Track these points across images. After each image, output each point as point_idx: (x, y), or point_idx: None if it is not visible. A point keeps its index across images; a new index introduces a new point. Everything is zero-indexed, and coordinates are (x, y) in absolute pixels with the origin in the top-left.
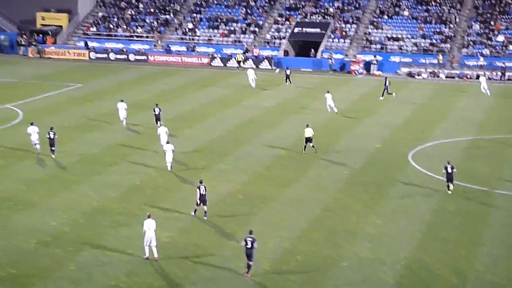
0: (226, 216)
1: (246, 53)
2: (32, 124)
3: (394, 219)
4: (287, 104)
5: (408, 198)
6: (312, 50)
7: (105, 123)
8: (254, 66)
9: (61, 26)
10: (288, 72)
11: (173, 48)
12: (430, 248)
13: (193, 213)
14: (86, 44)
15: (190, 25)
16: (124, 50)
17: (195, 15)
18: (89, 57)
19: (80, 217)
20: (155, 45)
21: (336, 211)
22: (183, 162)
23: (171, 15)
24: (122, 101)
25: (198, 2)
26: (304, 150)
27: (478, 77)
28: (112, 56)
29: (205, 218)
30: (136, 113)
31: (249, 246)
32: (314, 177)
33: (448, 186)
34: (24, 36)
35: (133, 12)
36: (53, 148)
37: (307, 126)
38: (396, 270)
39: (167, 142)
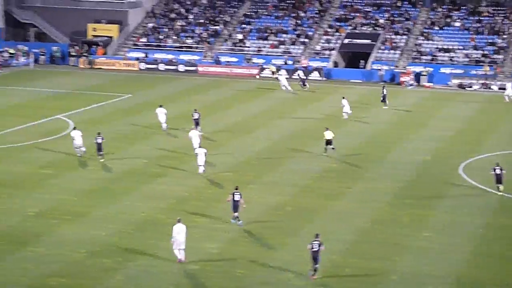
0: (274, 227)
1: (286, 63)
2: (75, 128)
3: (444, 233)
4: (335, 116)
5: (459, 212)
6: (362, 61)
7: (154, 134)
8: (287, 75)
9: (111, 37)
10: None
11: (223, 59)
12: (481, 263)
13: (232, 220)
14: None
15: (240, 36)
16: (174, 61)
17: (245, 26)
18: (139, 67)
19: (128, 227)
20: (204, 56)
21: (385, 224)
22: (231, 173)
23: (221, 26)
24: (161, 106)
25: (248, 13)
26: (325, 152)
27: None
28: (161, 66)
29: (239, 223)
30: (185, 124)
31: (315, 249)
32: (363, 190)
33: (498, 187)
34: (76, 47)
35: (183, 23)
36: (101, 153)
37: (327, 129)
38: (446, 285)
39: (200, 146)
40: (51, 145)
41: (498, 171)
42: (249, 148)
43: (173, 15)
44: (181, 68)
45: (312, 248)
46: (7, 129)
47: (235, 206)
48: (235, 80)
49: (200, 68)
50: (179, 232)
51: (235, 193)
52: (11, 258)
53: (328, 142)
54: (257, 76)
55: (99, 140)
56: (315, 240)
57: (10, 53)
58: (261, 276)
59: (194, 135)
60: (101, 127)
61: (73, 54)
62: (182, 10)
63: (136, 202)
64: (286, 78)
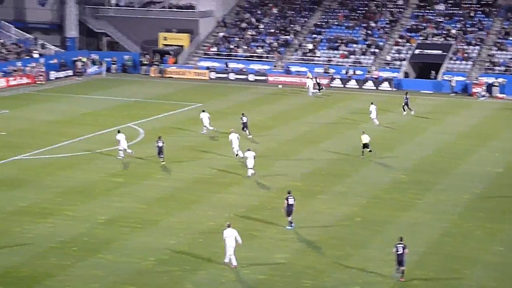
0: (342, 238)
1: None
2: (119, 132)
3: None
4: (406, 127)
5: None
6: (433, 72)
7: (224, 143)
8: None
9: (182, 46)
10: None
11: (293, 68)
12: None
13: (288, 227)
14: (226, 65)
15: (310, 46)
16: (244, 70)
17: (315, 36)
18: (209, 77)
19: (198, 236)
20: (275, 66)
21: (455, 236)
22: (301, 183)
23: (291, 35)
24: (203, 111)
25: (319, 23)
26: (362, 155)
27: None
28: (232, 76)
29: (290, 227)
30: (254, 133)
31: (400, 252)
32: (433, 201)
33: None
34: (147, 56)
35: (253, 32)
36: (161, 156)
37: (363, 132)
38: None
39: (248, 149)
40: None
41: None
42: (318, 158)
43: (244, 25)
44: (251, 77)
45: (397, 251)
46: (80, 137)
47: (290, 211)
48: (305, 90)
49: (270, 78)
50: (228, 236)
51: (289, 197)
52: (82, 265)
53: (365, 146)
54: (280, 86)
55: (160, 144)
56: (399, 243)
57: (83, 62)
58: (328, 287)
59: (234, 138)
60: (172, 136)
61: (145, 63)
62: (253, 20)
63: (205, 210)
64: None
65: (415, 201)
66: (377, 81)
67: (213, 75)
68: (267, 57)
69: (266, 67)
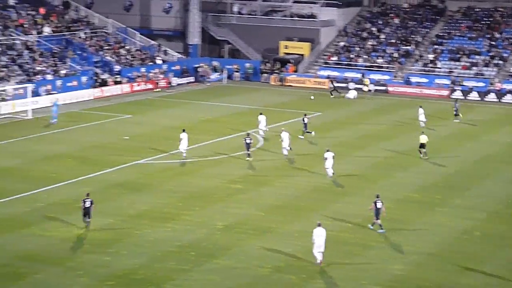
0: (461, 252)
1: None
2: (184, 131)
3: None
4: None
5: None
6: None
7: (344, 154)
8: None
9: (303, 55)
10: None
11: (413, 79)
12: None
13: (371, 226)
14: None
15: (431, 57)
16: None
17: (436, 46)
18: (329, 86)
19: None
20: (395, 76)
21: None
22: (418, 195)
23: (412, 46)
24: (261, 114)
25: (441, 34)
26: (420, 154)
27: None
28: (351, 85)
29: (381, 231)
30: (372, 144)
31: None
32: None
33: None
34: (268, 64)
35: (374, 42)
36: (248, 152)
37: (422, 133)
38: None
39: (327, 150)
40: (240, 160)
41: None
42: (436, 170)
43: (364, 35)
44: (371, 87)
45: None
46: (199, 144)
47: (377, 213)
48: (425, 101)
49: (390, 88)
50: (319, 235)
51: (377, 201)
52: (200, 269)
53: (422, 146)
54: (312, 97)
55: (248, 141)
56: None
57: (204, 69)
58: None
59: (285, 136)
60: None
61: (265, 71)
62: (374, 30)
63: (322, 219)
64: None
65: None
66: (500, 93)
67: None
68: (387, 68)
69: (386, 77)
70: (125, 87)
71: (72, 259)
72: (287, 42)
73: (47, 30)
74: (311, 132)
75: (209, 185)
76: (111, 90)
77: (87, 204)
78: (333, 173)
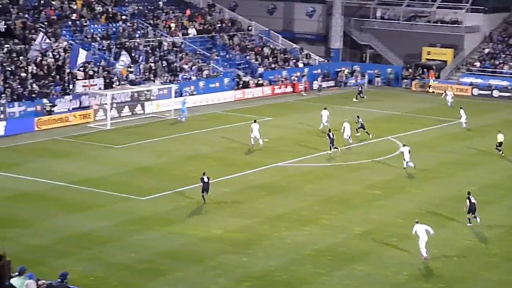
0: None
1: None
2: (255, 121)
3: None
4: None
5: None
6: None
7: (488, 161)
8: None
9: (445, 61)
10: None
11: None
12: None
13: (469, 224)
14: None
15: None
16: (509, 88)
17: None
18: (472, 93)
19: (452, 253)
20: None
21: None
22: None
23: None
24: (325, 108)
25: None
26: (499, 152)
27: None
28: (495, 93)
29: (470, 224)
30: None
31: None
32: None
33: None
34: (409, 70)
35: None
36: (332, 145)
37: (499, 131)
38: None
39: (404, 145)
40: (380, 166)
41: None
42: None
43: (511, 41)
44: None
45: None
46: (339, 148)
47: (473, 209)
48: None
49: None
50: (419, 230)
51: (470, 197)
52: (337, 274)
53: (499, 144)
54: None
55: (332, 135)
56: None
57: (346, 73)
58: None
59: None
60: (429, 151)
61: (406, 76)
62: None
63: (461, 228)
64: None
65: None
66: None
67: (476, 91)
68: None
69: None
70: (267, 90)
71: (211, 259)
72: (430, 48)
73: (192, 31)
74: (369, 134)
75: (347, 189)
76: (252, 92)
77: (205, 180)
78: (410, 166)
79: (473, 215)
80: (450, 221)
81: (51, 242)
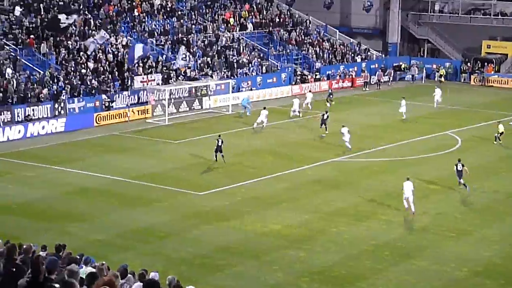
0: None
1: None
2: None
3: None
4: None
5: None
6: None
7: None
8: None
9: (506, 55)
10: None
11: None
12: None
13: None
14: None
15: None
16: None
17: None
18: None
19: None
20: None
21: None
22: None
23: None
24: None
25: None
26: (500, 141)
27: None
28: None
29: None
30: None
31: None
32: None
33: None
34: (468, 63)
35: None
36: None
37: (499, 122)
38: None
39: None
40: (438, 160)
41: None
42: None
43: None
44: None
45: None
46: (396, 143)
47: (459, 175)
48: None
49: None
50: (406, 187)
51: (458, 163)
52: (394, 269)
53: (501, 134)
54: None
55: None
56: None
57: (402, 68)
58: None
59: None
60: (489, 146)
61: (465, 70)
62: None
63: None
64: None
65: None
66: None
67: None
68: None
69: None
70: (324, 85)
71: (268, 254)
72: (490, 41)
73: (249, 26)
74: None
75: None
76: (309, 87)
77: (219, 143)
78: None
79: (458, 180)
80: (510, 217)
81: (111, 236)
